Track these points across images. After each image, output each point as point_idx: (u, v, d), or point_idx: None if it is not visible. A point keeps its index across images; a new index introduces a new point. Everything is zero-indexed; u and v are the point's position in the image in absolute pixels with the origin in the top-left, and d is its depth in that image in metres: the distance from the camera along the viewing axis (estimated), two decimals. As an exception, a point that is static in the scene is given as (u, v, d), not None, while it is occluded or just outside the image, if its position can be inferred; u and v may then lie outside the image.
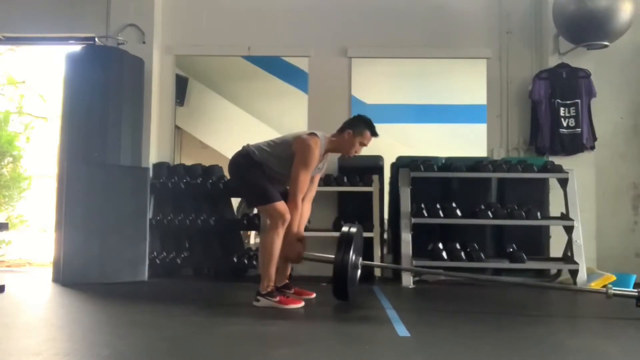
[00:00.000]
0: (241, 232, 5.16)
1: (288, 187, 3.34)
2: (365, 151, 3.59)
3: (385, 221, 4.91)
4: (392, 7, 5.31)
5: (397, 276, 4.46)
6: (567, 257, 4.41)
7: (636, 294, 3.18)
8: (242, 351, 2.33)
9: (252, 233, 5.38)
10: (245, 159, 3.36)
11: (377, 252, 4.58)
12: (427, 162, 4.62)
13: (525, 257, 4.27)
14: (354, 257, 3.31)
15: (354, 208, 4.82)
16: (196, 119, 5.37)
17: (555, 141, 4.89)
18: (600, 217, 4.93)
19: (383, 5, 5.32)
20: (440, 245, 4.36)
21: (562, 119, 4.90)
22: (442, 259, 4.27)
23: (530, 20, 5.28)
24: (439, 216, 4.44)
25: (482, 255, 4.31)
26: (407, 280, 4.23)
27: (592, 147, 4.92)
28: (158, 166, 5.03)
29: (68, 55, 4.73)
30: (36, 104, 9.57)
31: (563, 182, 4.51)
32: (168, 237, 4.90)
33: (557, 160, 4.74)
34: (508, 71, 5.23)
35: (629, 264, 4.85)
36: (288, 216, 3.24)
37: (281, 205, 3.26)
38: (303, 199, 3.38)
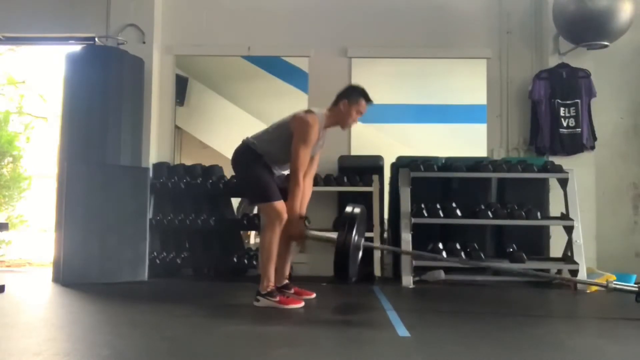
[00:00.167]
0: (241, 232, 5.17)
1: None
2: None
3: (385, 221, 4.91)
4: (392, 7, 5.30)
5: (397, 276, 4.46)
6: (567, 257, 4.41)
7: (636, 289, 3.18)
8: (242, 351, 2.33)
9: (252, 233, 5.39)
10: (245, 154, 3.37)
11: (377, 252, 4.58)
12: (427, 162, 4.62)
13: (525, 257, 4.27)
14: (356, 238, 3.21)
15: (354, 208, 4.82)
16: (196, 119, 5.37)
17: (555, 141, 4.89)
18: (600, 217, 4.92)
19: (383, 5, 5.32)
20: (440, 245, 4.36)
21: (562, 119, 4.90)
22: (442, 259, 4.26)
23: (530, 20, 5.28)
24: (439, 216, 4.45)
25: (482, 255, 4.31)
26: (407, 280, 4.24)
27: (592, 147, 4.92)
28: (158, 166, 5.03)
29: (68, 55, 4.73)
30: (36, 104, 9.57)
31: (563, 182, 4.51)
32: (168, 237, 4.90)
33: (557, 160, 4.73)
34: (508, 71, 5.23)
35: (629, 264, 4.85)
36: (285, 216, 3.26)
37: (279, 204, 3.27)
38: (304, 176, 3.34)
